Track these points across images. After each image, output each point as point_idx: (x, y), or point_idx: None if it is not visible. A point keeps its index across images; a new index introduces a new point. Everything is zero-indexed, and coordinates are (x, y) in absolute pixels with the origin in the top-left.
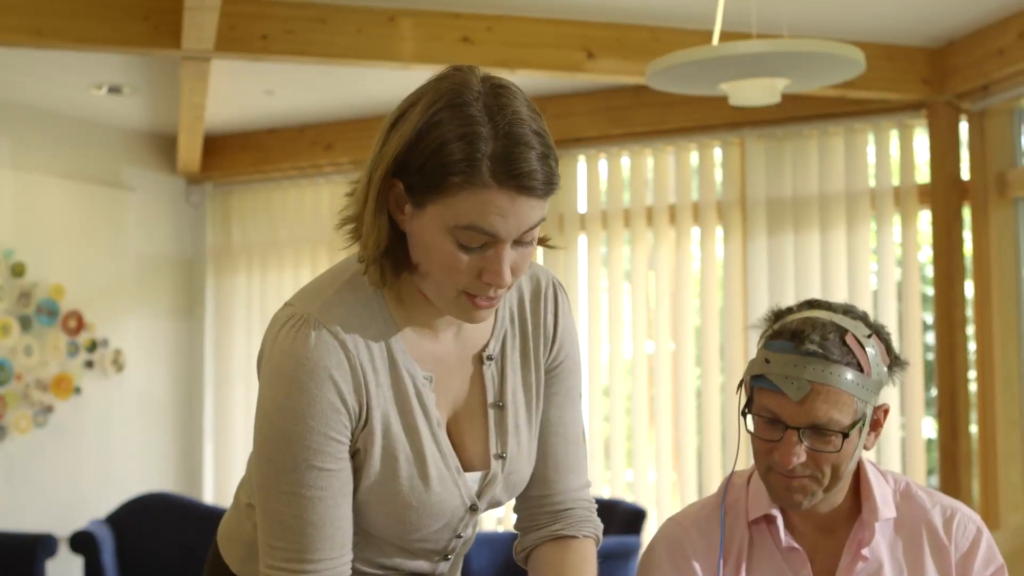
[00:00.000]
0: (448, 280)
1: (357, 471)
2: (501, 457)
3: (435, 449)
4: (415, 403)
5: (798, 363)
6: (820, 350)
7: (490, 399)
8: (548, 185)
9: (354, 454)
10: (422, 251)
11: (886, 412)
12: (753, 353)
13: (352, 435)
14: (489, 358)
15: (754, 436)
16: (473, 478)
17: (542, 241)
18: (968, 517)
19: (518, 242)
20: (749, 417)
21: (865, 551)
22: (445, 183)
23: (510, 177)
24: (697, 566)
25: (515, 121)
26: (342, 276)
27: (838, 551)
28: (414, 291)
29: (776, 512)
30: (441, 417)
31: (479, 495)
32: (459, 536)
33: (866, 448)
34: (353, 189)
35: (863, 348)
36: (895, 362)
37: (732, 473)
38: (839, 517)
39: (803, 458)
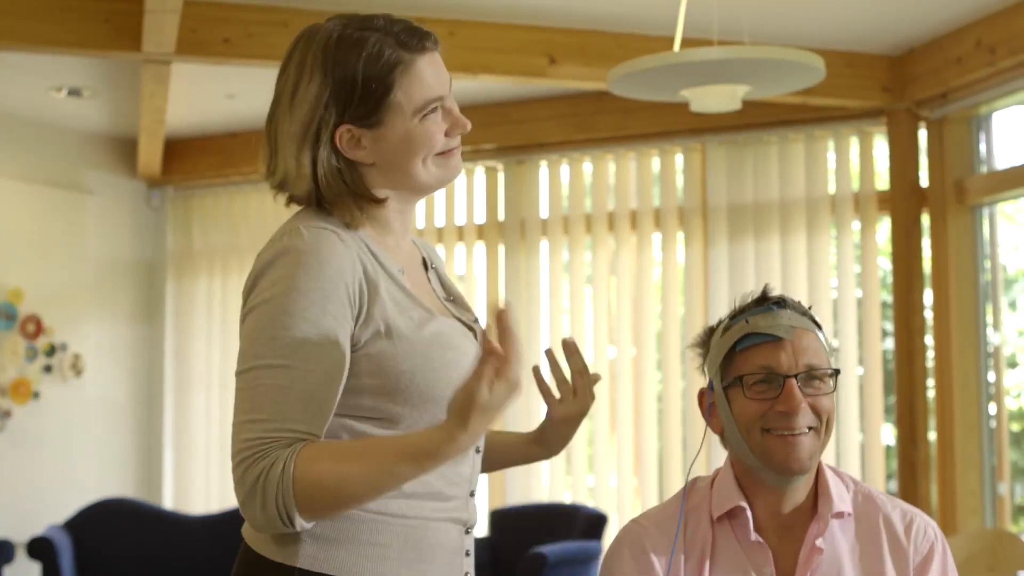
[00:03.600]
0: (430, 150)
1: (393, 346)
2: (476, 322)
3: (431, 308)
4: (399, 282)
5: (776, 315)
6: (788, 301)
7: (442, 296)
8: (436, 41)
9: (378, 334)
10: (402, 147)
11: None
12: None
13: (363, 313)
14: (432, 267)
15: (748, 401)
16: (469, 335)
17: None
18: (927, 523)
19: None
20: (733, 392)
21: (819, 542)
22: (388, 83)
23: (418, 42)
24: (656, 563)
25: (376, 16)
26: (292, 219)
27: (798, 549)
28: (373, 217)
29: (744, 504)
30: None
31: None
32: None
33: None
34: (274, 167)
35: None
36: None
37: (697, 478)
38: (800, 516)
39: (805, 405)
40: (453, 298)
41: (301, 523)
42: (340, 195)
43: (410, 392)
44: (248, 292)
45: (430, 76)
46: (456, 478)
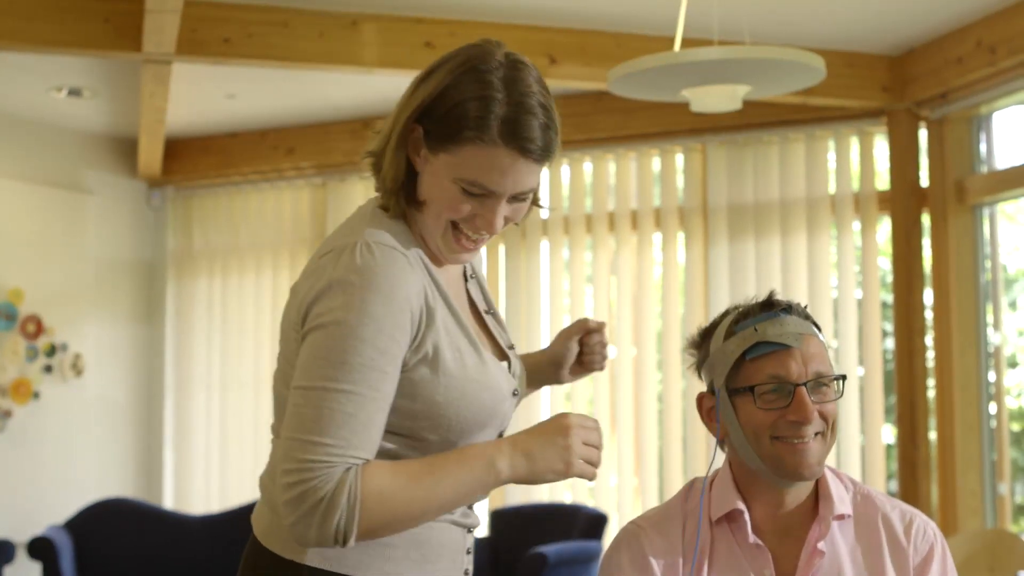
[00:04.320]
0: (446, 213)
1: (435, 375)
2: (512, 348)
3: (478, 343)
4: (454, 308)
5: (784, 322)
6: (794, 307)
7: (483, 308)
8: (545, 152)
9: (424, 359)
10: (430, 189)
11: None
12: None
13: (417, 339)
14: (472, 276)
15: (758, 410)
16: (504, 367)
17: (534, 200)
18: (926, 523)
19: (514, 198)
20: (741, 400)
21: (821, 545)
22: (459, 136)
23: (514, 139)
24: (656, 566)
25: (526, 93)
26: (365, 215)
27: (798, 551)
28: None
29: (742, 507)
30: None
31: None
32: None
33: None
34: (379, 128)
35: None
36: None
37: (696, 479)
38: (799, 518)
39: (815, 413)
40: (492, 312)
41: (351, 543)
42: (394, 178)
43: (438, 421)
44: (312, 302)
45: (497, 168)
46: None
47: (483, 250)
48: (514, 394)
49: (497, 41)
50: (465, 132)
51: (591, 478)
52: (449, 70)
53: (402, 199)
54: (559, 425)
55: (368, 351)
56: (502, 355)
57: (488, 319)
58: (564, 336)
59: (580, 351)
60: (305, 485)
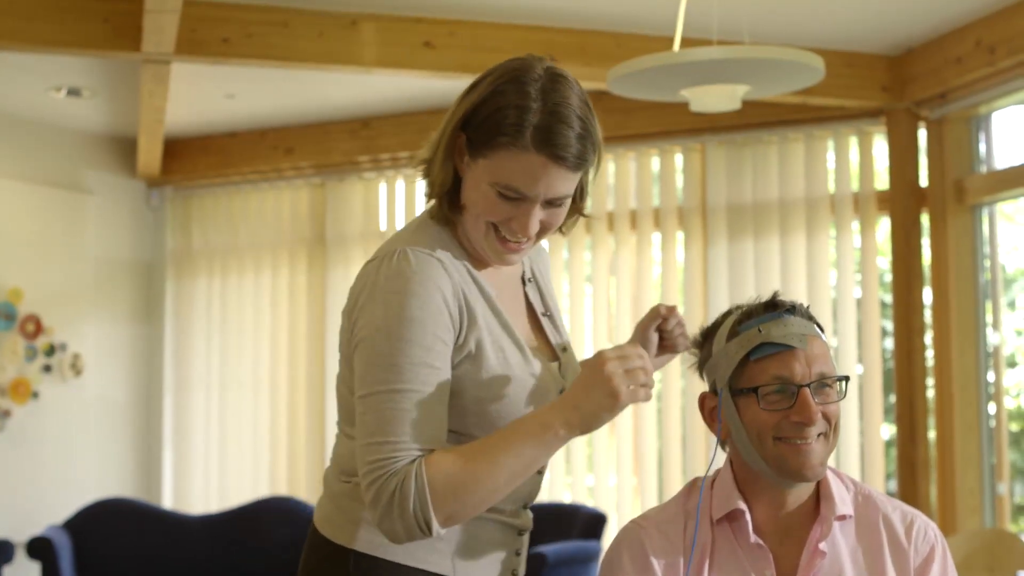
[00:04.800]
0: (483, 216)
1: (477, 371)
2: (564, 350)
3: (523, 343)
4: (497, 309)
5: (788, 323)
6: (797, 308)
7: (539, 311)
8: (579, 160)
9: (468, 357)
10: (470, 193)
11: None
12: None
13: (460, 338)
14: (529, 280)
15: (762, 411)
16: (553, 367)
17: (578, 209)
18: (927, 524)
19: (549, 203)
20: (745, 400)
21: (822, 545)
22: (494, 141)
23: (546, 146)
24: (657, 566)
25: (562, 103)
26: (412, 225)
27: (799, 552)
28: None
29: (743, 507)
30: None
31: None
32: None
33: None
34: (431, 137)
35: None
36: None
37: (697, 478)
38: (801, 518)
39: (819, 414)
40: (549, 314)
41: (437, 528)
42: (441, 184)
43: (484, 418)
44: (358, 312)
45: (529, 174)
46: (512, 494)
47: (546, 256)
48: (561, 391)
49: (540, 56)
50: (500, 137)
51: (646, 399)
52: (491, 81)
53: (445, 204)
54: (593, 364)
55: (414, 350)
56: (553, 356)
57: (544, 321)
58: (642, 328)
59: (661, 337)
60: (378, 483)
